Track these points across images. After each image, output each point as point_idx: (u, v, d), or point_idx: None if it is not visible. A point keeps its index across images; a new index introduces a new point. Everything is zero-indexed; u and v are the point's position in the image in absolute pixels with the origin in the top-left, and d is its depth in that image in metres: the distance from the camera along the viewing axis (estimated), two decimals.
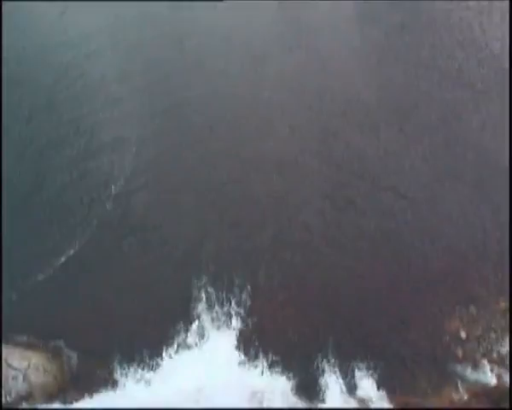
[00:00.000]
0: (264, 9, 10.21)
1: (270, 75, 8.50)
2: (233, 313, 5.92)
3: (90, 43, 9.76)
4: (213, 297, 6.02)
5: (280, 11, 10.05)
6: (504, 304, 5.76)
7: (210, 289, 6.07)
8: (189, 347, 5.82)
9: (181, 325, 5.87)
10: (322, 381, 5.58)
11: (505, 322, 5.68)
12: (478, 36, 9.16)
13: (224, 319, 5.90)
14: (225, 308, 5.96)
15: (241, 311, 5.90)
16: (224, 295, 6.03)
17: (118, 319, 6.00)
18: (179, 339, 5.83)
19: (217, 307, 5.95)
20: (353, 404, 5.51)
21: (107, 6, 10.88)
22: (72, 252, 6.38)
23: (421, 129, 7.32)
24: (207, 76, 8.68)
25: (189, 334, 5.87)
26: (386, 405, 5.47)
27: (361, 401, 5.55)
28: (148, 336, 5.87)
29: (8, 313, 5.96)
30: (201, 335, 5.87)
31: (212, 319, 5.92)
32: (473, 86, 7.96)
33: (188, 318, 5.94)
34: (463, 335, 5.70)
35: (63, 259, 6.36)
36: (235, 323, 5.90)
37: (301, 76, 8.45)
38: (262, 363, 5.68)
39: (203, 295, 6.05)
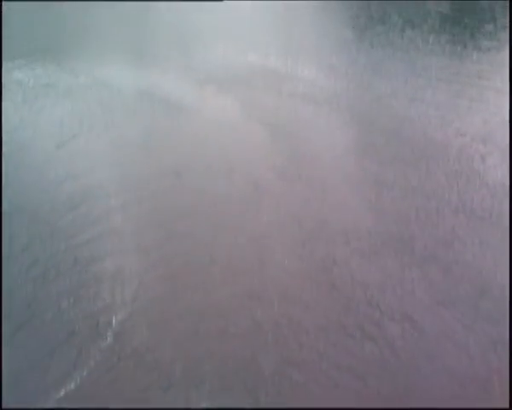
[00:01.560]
0: (262, 140, 11.36)
1: (268, 205, 9.26)
2: None
3: (88, 174, 10.58)
4: None
5: (277, 142, 11.12)
6: None
7: None
8: None
9: None
10: None
11: None
12: (476, 164, 10.15)
13: None
14: None
15: None
16: None
17: None
18: None
19: None
20: None
21: (102, 135, 12.07)
22: (72, 385, 6.49)
23: (422, 254, 7.94)
24: (206, 204, 9.44)
25: None
26: None
27: None
28: None
29: None
30: None
31: None
32: (472, 213, 8.72)
33: None
34: None
35: (62, 393, 6.44)
36: None
37: (300, 206, 9.22)
38: None
39: None
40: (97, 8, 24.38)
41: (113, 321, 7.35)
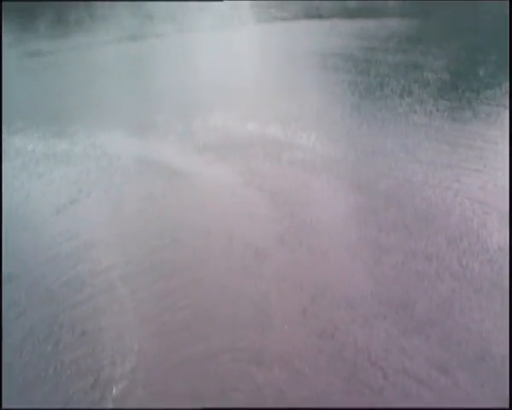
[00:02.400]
0: (262, 207, 11.74)
1: (268, 271, 9.52)
2: None
3: (85, 238, 10.94)
4: None
5: (277, 209, 11.50)
6: None
7: None
8: None
9: None
10: None
11: None
12: (476, 227, 10.51)
13: None
14: None
15: None
16: None
17: None
18: None
19: None
20: None
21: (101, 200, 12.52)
22: None
23: (422, 319, 8.23)
24: (206, 270, 9.71)
25: None
26: None
27: None
28: None
29: None
30: None
31: None
32: (472, 277, 9.02)
33: None
34: None
35: None
36: None
37: (301, 272, 9.50)
38: None
39: None
40: (96, 75, 25.23)
41: (111, 385, 7.48)
